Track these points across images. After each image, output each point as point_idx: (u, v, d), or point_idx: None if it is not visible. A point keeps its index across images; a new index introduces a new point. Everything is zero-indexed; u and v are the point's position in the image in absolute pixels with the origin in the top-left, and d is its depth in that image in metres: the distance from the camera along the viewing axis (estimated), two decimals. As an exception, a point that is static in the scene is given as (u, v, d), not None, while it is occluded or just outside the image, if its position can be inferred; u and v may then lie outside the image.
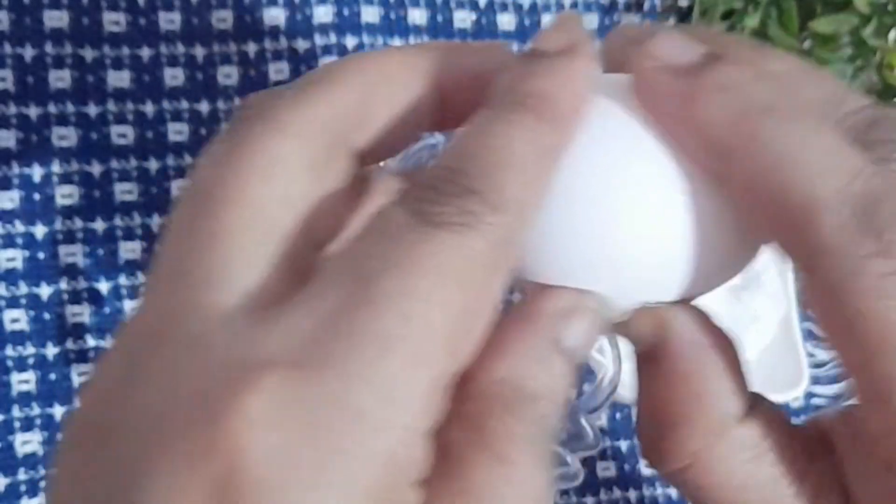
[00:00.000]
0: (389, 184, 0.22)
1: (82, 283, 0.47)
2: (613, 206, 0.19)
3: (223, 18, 0.50)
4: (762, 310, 0.52)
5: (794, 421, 0.21)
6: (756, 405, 0.20)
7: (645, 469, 0.54)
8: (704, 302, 0.21)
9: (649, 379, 0.21)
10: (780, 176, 0.18)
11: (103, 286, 0.47)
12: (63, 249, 0.47)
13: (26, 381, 0.46)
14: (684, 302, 0.21)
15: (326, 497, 0.15)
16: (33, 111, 0.47)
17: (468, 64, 0.21)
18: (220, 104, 0.50)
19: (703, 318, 0.21)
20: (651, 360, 0.21)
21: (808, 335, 0.55)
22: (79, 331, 0.47)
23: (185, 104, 0.49)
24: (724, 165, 0.19)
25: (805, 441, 0.21)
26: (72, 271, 0.47)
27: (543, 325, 0.19)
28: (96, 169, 0.48)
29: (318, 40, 0.51)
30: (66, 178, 0.47)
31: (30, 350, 0.46)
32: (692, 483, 0.20)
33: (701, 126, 0.19)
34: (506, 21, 0.54)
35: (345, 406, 0.16)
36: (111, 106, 0.48)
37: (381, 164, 0.22)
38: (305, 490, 0.15)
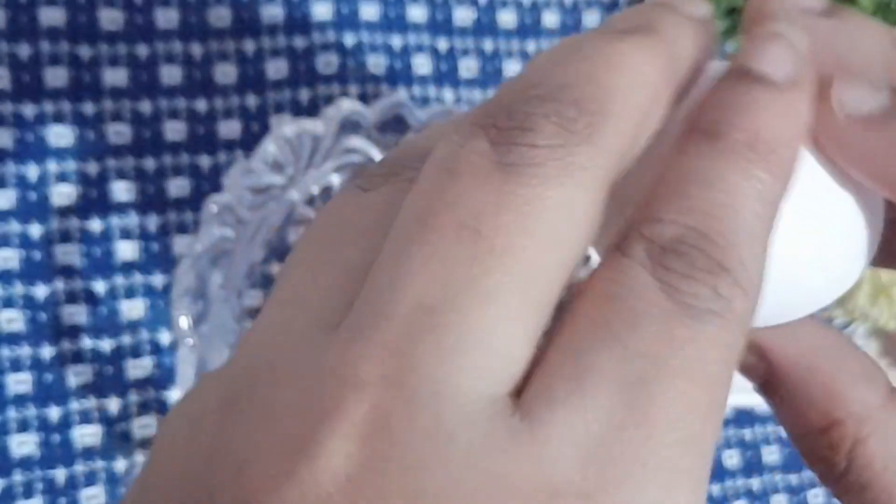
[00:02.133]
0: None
1: (78, 284, 0.47)
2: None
3: (221, 16, 0.50)
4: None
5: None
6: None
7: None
8: None
9: (781, 401, 0.20)
10: None
11: (100, 286, 0.47)
12: (59, 249, 0.47)
13: (22, 382, 0.45)
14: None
15: None
16: (29, 109, 0.47)
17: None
18: (218, 102, 0.49)
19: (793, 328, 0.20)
20: (770, 382, 0.20)
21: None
22: (75, 331, 0.46)
23: (182, 102, 0.49)
24: None
25: None
26: (68, 271, 0.47)
27: None
28: (92, 167, 0.47)
29: (317, 38, 0.50)
30: (62, 177, 0.47)
31: (25, 350, 0.46)
32: (861, 486, 0.19)
33: None
34: (506, 19, 0.54)
35: None
36: (108, 104, 0.48)
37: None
38: None
